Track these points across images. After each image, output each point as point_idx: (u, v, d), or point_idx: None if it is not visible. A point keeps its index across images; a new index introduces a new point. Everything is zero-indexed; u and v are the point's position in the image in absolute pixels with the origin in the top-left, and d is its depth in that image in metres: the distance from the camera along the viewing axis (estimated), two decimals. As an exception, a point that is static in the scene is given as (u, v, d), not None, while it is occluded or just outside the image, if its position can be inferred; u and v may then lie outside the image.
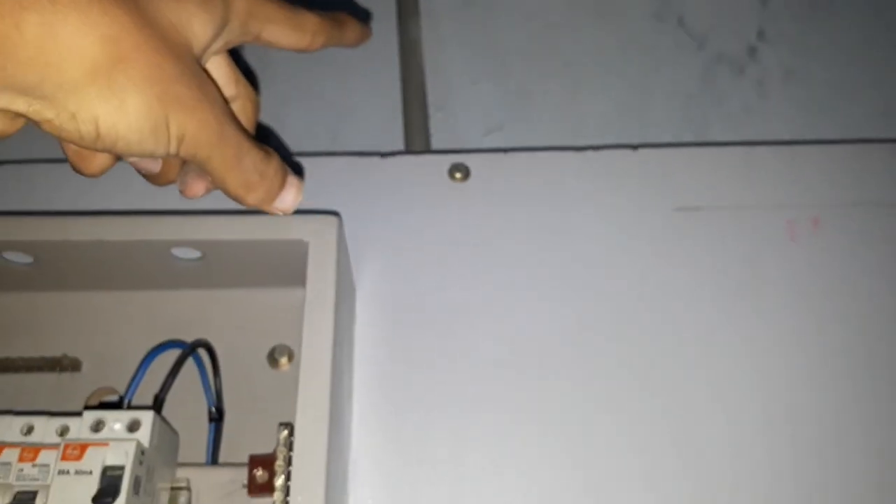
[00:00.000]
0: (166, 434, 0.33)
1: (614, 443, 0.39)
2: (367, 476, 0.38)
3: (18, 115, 0.23)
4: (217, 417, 0.37)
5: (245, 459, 0.34)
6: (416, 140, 0.52)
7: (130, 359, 0.38)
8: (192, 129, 0.25)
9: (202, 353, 0.38)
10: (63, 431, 0.31)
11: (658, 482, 0.38)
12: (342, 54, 0.61)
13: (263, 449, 0.34)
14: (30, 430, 0.31)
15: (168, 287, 0.40)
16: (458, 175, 0.46)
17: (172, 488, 0.33)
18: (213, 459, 0.36)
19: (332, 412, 0.31)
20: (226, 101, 0.27)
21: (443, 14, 0.61)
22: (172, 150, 0.25)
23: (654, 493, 0.38)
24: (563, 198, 0.45)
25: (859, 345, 0.41)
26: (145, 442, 0.30)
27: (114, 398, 0.38)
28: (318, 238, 0.35)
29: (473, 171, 0.46)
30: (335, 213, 0.36)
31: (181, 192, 0.31)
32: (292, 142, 0.50)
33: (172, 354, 0.37)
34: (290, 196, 0.30)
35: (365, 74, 0.57)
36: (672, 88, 0.63)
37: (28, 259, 0.37)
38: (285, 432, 0.31)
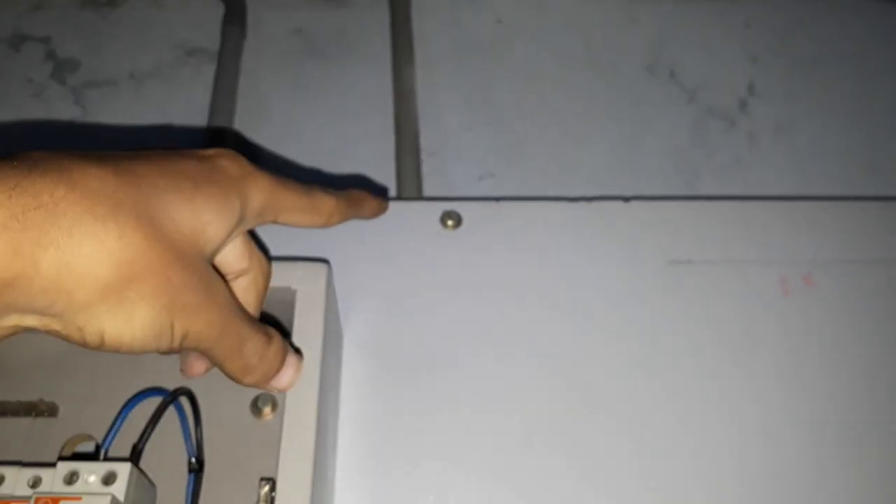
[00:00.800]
0: (143, 487, 0.32)
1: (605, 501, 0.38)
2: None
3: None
4: (197, 468, 0.35)
5: (224, 514, 0.33)
6: (409, 186, 0.52)
7: (109, 403, 0.37)
8: (196, 329, 0.26)
9: (183, 400, 0.37)
10: (35, 483, 0.30)
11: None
12: (337, 98, 0.61)
13: (244, 502, 0.33)
14: (0, 480, 0.30)
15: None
16: (449, 223, 0.46)
17: (148, 543, 0.32)
18: (192, 513, 0.35)
19: (316, 467, 0.30)
20: (232, 294, 0.28)
21: (438, 62, 0.62)
22: (175, 346, 0.26)
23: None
24: (555, 249, 0.45)
25: (853, 404, 0.41)
26: (121, 496, 0.29)
27: (90, 445, 0.36)
28: (306, 286, 0.34)
29: (465, 220, 0.46)
30: (324, 261, 0.36)
31: (181, 370, 0.32)
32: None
33: (153, 400, 0.36)
34: (287, 375, 0.31)
35: (359, 120, 0.57)
36: (663, 140, 0.64)
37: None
38: (266, 488, 0.30)
